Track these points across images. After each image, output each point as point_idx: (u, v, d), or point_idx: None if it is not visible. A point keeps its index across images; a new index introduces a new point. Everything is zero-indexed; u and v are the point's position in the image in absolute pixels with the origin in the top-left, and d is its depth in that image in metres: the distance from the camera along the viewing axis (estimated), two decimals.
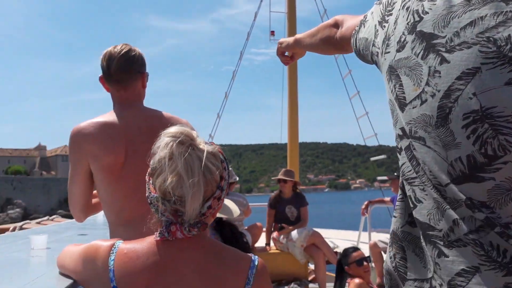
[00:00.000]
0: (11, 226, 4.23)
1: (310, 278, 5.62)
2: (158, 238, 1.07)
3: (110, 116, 1.75)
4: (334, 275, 6.43)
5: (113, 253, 1.09)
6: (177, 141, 1.04)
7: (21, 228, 3.98)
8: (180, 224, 1.05)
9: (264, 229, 5.65)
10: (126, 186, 1.68)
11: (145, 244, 1.09)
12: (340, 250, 6.00)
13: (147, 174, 1.11)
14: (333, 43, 1.25)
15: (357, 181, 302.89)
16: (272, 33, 8.53)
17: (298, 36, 1.45)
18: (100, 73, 1.81)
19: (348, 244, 6.70)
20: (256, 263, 1.13)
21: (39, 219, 4.96)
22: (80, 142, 1.67)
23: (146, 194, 1.11)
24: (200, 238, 1.10)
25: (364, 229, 6.32)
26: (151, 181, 1.09)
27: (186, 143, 1.05)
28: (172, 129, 1.07)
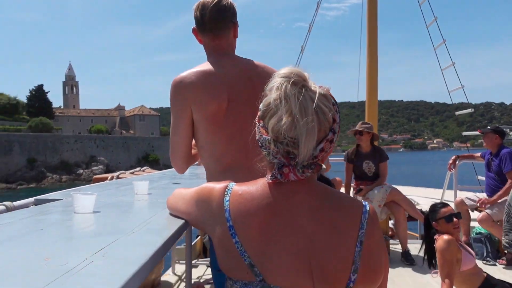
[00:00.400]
0: (109, 175, 4.57)
1: (390, 234, 5.56)
2: (270, 181, 1.08)
3: (207, 65, 1.77)
4: (414, 234, 6.35)
5: (227, 194, 1.11)
6: (290, 82, 1.03)
7: (117, 177, 4.30)
8: (293, 166, 1.05)
9: (343, 184, 5.62)
10: (227, 133, 1.71)
11: (258, 186, 1.11)
12: (421, 207, 5.86)
13: (257, 117, 1.11)
14: None
15: (435, 141, 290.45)
16: None
17: None
18: (193, 25, 1.85)
19: (430, 202, 6.46)
20: (368, 208, 1.13)
21: (132, 170, 5.28)
22: (183, 91, 1.69)
23: (257, 137, 1.10)
24: (311, 181, 1.11)
25: (449, 187, 6.09)
26: (261, 124, 1.09)
27: (299, 83, 1.04)
28: (285, 70, 1.06)
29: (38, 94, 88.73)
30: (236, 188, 1.13)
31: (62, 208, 1.69)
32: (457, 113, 9.04)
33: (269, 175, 1.09)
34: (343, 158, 5.63)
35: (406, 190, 6.69)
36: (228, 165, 1.72)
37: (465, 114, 8.98)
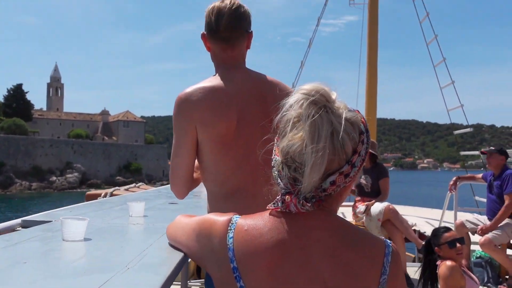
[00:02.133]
0: (103, 192, 4.66)
1: None
2: (272, 207, 1.01)
3: (216, 80, 1.66)
4: (410, 254, 6.32)
5: (231, 229, 1.01)
6: (309, 100, 0.94)
7: (111, 195, 4.32)
8: (296, 196, 0.96)
9: None
10: (235, 155, 1.62)
11: (266, 220, 1.01)
12: (418, 228, 5.91)
13: (277, 135, 1.03)
14: None
15: (425, 161, 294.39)
16: None
17: None
18: (202, 30, 1.76)
19: (428, 223, 6.50)
20: (391, 249, 1.03)
21: (127, 186, 5.35)
22: (189, 109, 1.59)
23: (272, 156, 1.03)
24: (329, 216, 1.01)
25: (448, 208, 6.11)
26: (277, 142, 1.02)
27: (320, 103, 0.95)
28: (308, 86, 0.98)
29: (16, 94, 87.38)
30: (241, 222, 1.02)
31: (50, 233, 1.58)
32: (456, 132, 9.14)
33: (273, 202, 1.01)
34: None
35: (403, 210, 6.69)
36: (233, 189, 1.63)
37: (458, 134, 9.11)
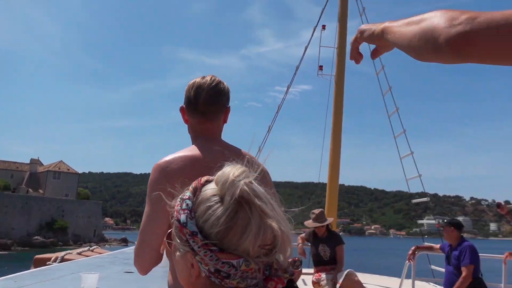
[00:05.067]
0: (53, 256, 4.43)
1: None
2: None
3: (195, 150, 1.78)
4: None
5: None
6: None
7: (62, 259, 4.20)
8: None
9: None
10: None
11: None
12: None
13: None
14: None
15: (372, 227, 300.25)
16: (321, 67, 9.19)
17: (389, 25, 1.03)
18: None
19: None
20: None
21: (80, 250, 5.20)
22: (168, 177, 1.62)
23: None
24: None
25: (406, 277, 6.34)
26: None
27: None
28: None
29: None
30: None
31: None
32: (414, 201, 9.56)
33: None
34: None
35: (360, 277, 6.82)
36: None
37: (416, 202, 9.53)
